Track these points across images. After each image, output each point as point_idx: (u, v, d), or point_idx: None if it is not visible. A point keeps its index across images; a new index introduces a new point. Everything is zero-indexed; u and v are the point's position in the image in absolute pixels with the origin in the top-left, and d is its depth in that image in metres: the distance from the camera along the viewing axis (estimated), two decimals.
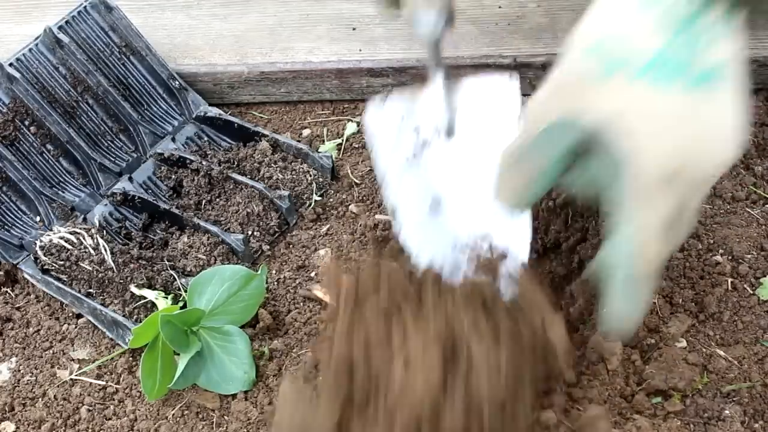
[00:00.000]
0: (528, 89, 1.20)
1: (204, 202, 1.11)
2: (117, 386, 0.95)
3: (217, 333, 0.94)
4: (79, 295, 0.99)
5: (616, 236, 0.71)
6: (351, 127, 1.20)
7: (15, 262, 1.04)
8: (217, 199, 1.11)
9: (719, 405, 0.87)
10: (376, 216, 1.12)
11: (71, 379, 0.96)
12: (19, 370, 0.98)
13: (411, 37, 1.22)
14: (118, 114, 1.14)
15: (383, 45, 1.23)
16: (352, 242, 1.07)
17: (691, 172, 0.70)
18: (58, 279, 1.01)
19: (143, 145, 1.15)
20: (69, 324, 1.01)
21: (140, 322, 0.94)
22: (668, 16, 0.66)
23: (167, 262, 1.02)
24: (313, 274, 1.03)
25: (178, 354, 0.92)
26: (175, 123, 1.18)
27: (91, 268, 1.00)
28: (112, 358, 0.98)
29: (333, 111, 1.24)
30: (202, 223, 1.05)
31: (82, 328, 1.01)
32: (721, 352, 0.91)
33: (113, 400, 0.94)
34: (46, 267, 1.02)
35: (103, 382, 0.96)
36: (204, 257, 1.02)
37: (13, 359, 0.99)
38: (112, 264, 1.00)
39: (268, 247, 1.07)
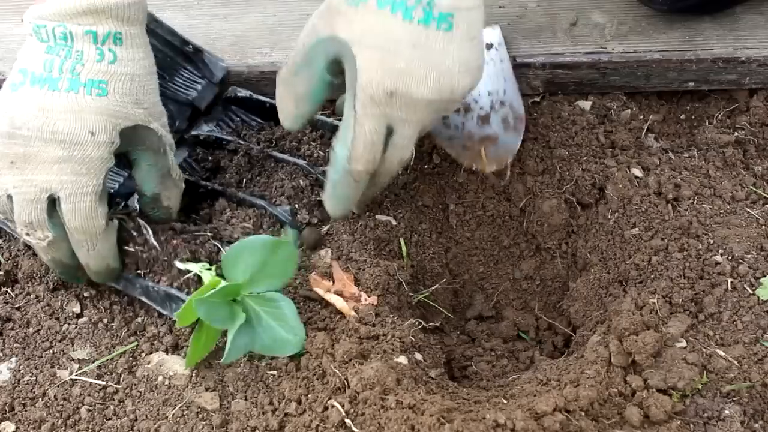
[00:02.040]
0: (527, 89, 1.21)
1: (245, 180, 1.11)
2: (117, 386, 0.95)
3: (262, 300, 0.94)
4: (130, 276, 0.99)
5: (345, 136, 0.91)
6: None
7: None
8: (258, 177, 1.11)
9: (719, 405, 0.87)
10: (377, 216, 1.12)
11: (71, 379, 0.96)
12: (19, 370, 0.98)
13: None
14: None
15: None
16: (352, 242, 1.07)
17: (408, 94, 0.88)
18: None
19: (172, 117, 1.13)
20: (69, 324, 1.01)
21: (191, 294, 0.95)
22: None
23: (209, 234, 1.02)
24: (313, 274, 1.03)
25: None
26: (199, 87, 1.16)
27: (134, 250, 1.00)
28: (112, 358, 0.98)
29: (333, 110, 1.24)
30: (248, 197, 1.05)
31: (82, 328, 1.01)
32: (721, 352, 0.91)
33: (113, 400, 0.94)
34: None
35: (103, 382, 0.96)
36: (250, 226, 1.03)
37: (13, 359, 0.99)
38: (155, 243, 1.00)
39: (316, 220, 1.08)
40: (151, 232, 1.00)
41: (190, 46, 1.17)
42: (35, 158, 0.88)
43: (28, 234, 0.91)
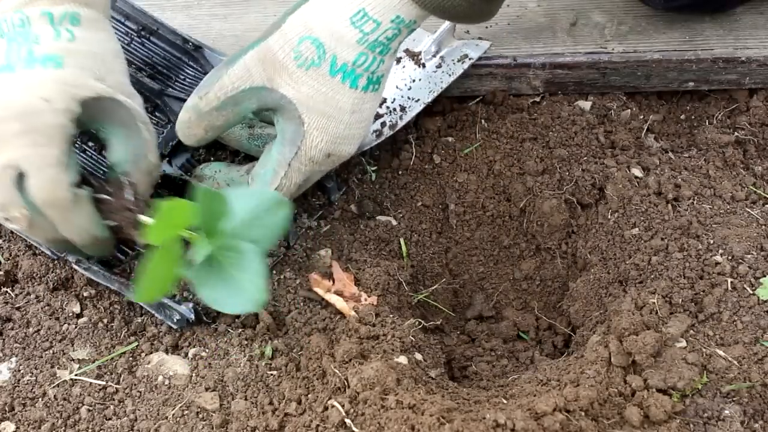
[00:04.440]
0: (527, 89, 1.21)
1: None
2: (117, 386, 0.95)
3: (230, 251, 0.84)
4: (126, 281, 1.00)
5: (267, 182, 0.93)
6: None
7: (62, 255, 1.04)
8: None
9: (719, 405, 0.87)
10: (377, 217, 1.12)
11: (71, 379, 0.96)
12: (19, 370, 0.98)
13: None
14: (146, 93, 1.13)
15: None
16: (352, 242, 1.07)
17: (340, 154, 0.95)
18: (105, 266, 1.02)
19: (175, 114, 1.12)
20: (69, 324, 1.01)
21: (185, 301, 0.97)
22: (370, 36, 0.89)
23: None
24: (313, 274, 1.03)
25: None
26: None
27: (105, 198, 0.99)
28: (112, 358, 0.98)
29: None
30: None
31: (82, 328, 1.01)
32: (721, 352, 0.91)
33: (113, 400, 0.94)
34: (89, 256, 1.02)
35: (103, 382, 0.96)
36: None
37: (13, 359, 0.99)
38: (131, 198, 0.97)
39: (316, 223, 1.08)
40: (131, 190, 0.95)
41: (191, 44, 1.17)
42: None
43: (7, 219, 0.89)
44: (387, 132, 1.12)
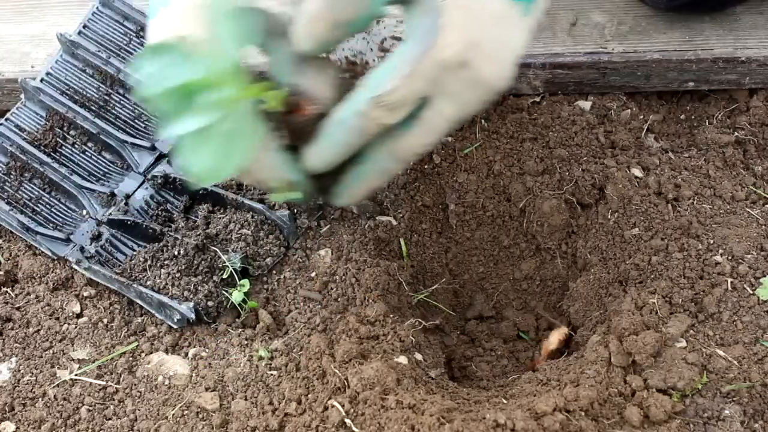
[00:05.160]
0: (527, 89, 1.21)
1: (245, 183, 1.11)
2: (117, 386, 0.95)
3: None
4: (126, 281, 1.00)
5: (380, 82, 0.76)
6: None
7: (62, 255, 1.05)
8: None
9: (719, 405, 0.87)
10: (377, 217, 1.12)
11: (71, 379, 0.96)
12: (19, 370, 0.98)
13: None
14: None
15: None
16: (352, 242, 1.07)
17: (478, 71, 0.77)
18: (104, 266, 1.03)
19: None
20: (69, 324, 1.01)
21: (188, 300, 0.97)
22: None
23: (207, 239, 1.03)
24: (313, 275, 1.03)
25: None
26: None
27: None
28: (112, 358, 0.98)
29: None
30: (247, 201, 1.05)
31: (82, 328, 1.01)
32: (721, 352, 0.91)
33: (113, 400, 0.94)
34: (89, 256, 1.04)
35: (103, 382, 0.96)
36: (249, 233, 1.03)
37: (13, 359, 0.99)
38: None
39: (316, 223, 1.08)
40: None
41: None
42: None
43: None
44: None
